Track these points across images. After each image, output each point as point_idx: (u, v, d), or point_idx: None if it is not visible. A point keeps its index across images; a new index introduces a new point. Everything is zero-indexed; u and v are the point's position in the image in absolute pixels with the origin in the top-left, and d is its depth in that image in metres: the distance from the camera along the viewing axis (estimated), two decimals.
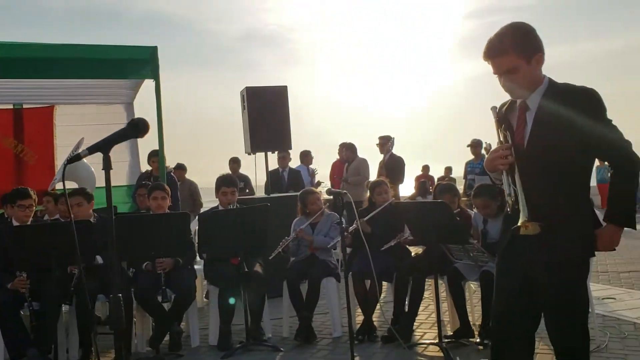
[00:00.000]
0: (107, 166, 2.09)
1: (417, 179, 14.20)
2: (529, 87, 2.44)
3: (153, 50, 6.60)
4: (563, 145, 2.34)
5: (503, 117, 2.54)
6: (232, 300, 4.53)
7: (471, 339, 4.31)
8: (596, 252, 2.47)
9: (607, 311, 4.98)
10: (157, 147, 6.49)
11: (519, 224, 2.33)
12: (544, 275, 2.41)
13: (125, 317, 4.28)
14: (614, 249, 2.48)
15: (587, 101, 2.31)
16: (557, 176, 2.38)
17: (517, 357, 2.55)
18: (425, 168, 15.27)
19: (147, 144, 8.68)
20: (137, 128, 2.17)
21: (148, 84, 7.02)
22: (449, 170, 14.21)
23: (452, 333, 4.46)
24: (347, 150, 9.27)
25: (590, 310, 4.20)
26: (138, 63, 6.60)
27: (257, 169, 7.03)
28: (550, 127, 2.37)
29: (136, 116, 8.87)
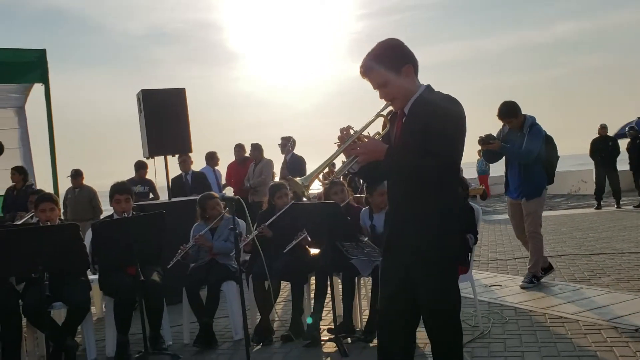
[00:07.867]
0: None
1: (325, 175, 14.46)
2: (404, 97, 2.57)
3: (41, 54, 6.35)
4: (415, 151, 2.45)
5: (387, 125, 2.68)
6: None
7: (356, 334, 4.48)
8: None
9: (493, 298, 5.30)
10: (47, 154, 6.30)
11: None
12: (413, 274, 2.56)
13: (14, 333, 4.08)
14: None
15: (433, 112, 2.45)
16: (414, 180, 2.50)
17: (399, 348, 2.69)
18: (332, 165, 15.58)
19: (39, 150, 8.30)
20: None
21: (39, 88, 6.76)
22: None
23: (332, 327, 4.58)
24: (255, 151, 9.31)
25: (475, 299, 4.52)
26: (26, 66, 6.33)
27: (157, 173, 6.91)
28: (409, 134, 2.52)
29: (28, 120, 8.52)
